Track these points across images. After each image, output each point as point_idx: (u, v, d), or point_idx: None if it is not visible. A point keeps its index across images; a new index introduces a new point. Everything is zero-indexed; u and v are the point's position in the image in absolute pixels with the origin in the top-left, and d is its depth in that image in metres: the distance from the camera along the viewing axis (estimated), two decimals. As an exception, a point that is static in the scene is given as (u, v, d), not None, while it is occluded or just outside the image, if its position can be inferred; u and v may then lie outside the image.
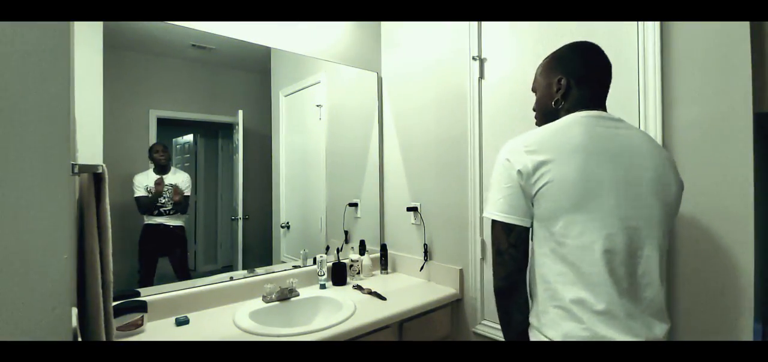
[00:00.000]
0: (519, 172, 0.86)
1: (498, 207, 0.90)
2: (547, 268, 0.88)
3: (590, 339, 0.81)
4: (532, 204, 0.88)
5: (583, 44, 0.98)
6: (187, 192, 1.76)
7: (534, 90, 1.07)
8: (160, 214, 1.66)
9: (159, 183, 1.65)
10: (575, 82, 0.95)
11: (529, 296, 0.94)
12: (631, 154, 0.88)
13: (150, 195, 1.62)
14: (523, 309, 0.92)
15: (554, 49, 1.02)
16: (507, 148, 0.91)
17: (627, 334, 0.81)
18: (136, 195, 1.58)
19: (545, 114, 1.01)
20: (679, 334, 1.20)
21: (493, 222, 0.91)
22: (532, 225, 0.90)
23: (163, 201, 1.67)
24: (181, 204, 1.73)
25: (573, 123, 0.90)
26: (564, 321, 0.84)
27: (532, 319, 0.92)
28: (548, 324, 0.86)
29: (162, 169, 1.67)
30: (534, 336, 0.90)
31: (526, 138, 0.90)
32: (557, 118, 0.95)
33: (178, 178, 1.74)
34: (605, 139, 0.88)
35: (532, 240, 0.91)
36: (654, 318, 0.86)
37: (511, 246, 0.89)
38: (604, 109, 0.96)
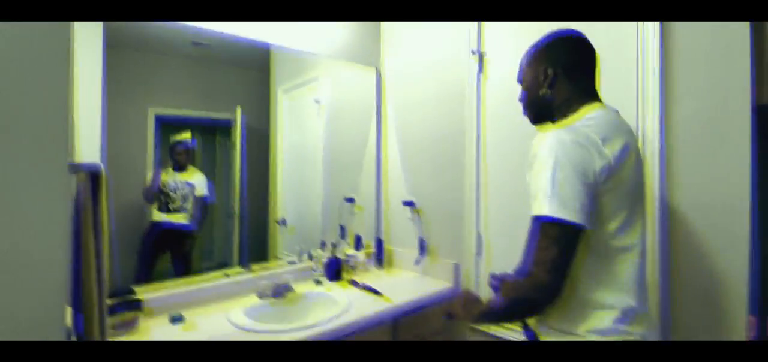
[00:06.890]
0: (603, 169, 0.78)
1: (576, 209, 0.75)
2: (585, 269, 0.82)
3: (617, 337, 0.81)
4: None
5: (568, 34, 0.97)
6: (205, 192, 1.73)
7: (520, 81, 1.05)
8: (168, 212, 1.64)
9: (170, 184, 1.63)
10: (564, 72, 0.93)
11: None
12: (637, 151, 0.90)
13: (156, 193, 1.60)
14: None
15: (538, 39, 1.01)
16: (569, 136, 0.80)
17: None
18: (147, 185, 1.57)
19: (534, 103, 1.01)
20: (674, 331, 1.21)
21: (561, 223, 0.76)
22: None
23: (175, 198, 1.65)
24: (198, 210, 1.71)
25: (610, 117, 0.88)
26: (593, 319, 0.82)
27: (554, 321, 0.87)
28: (576, 321, 0.83)
29: (180, 167, 1.66)
30: (555, 336, 0.86)
31: (589, 126, 0.83)
32: (550, 108, 0.96)
33: (196, 179, 1.71)
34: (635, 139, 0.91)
35: None
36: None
37: (573, 253, 0.78)
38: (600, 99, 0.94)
